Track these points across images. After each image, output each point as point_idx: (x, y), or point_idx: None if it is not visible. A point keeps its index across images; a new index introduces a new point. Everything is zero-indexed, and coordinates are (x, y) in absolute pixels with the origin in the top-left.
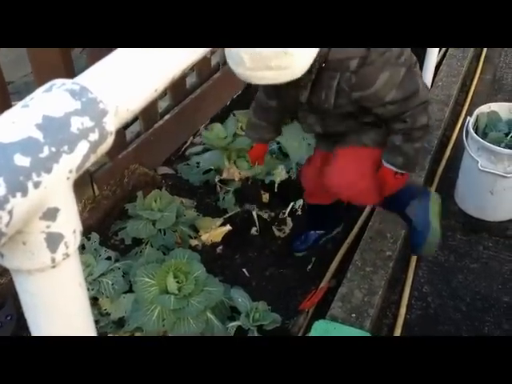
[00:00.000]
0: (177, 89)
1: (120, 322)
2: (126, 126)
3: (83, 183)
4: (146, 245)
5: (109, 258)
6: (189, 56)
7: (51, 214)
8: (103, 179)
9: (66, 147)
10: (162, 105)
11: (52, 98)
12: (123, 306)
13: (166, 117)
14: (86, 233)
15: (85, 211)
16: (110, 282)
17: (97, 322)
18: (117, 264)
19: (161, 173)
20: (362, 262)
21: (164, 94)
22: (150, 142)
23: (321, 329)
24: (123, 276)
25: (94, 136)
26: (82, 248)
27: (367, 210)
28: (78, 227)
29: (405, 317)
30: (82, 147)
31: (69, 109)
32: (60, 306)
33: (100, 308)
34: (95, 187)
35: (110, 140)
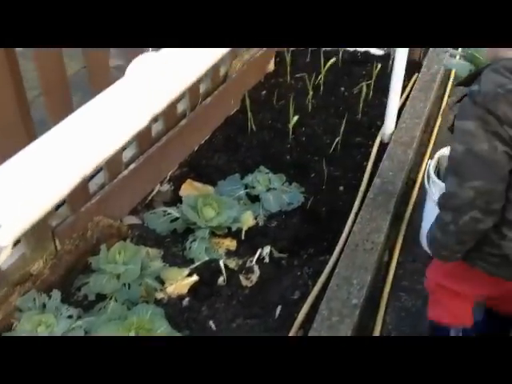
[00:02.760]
0: (142, 137)
1: None
2: (90, 177)
3: (44, 239)
4: (110, 300)
5: (70, 317)
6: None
7: None
8: (65, 233)
9: None
10: (127, 154)
11: None
12: None
13: (132, 166)
14: (47, 290)
15: (46, 268)
16: None
17: None
18: (79, 322)
19: (127, 223)
20: (328, 311)
21: (129, 142)
22: (115, 193)
23: None
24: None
25: None
26: (43, 307)
27: (335, 255)
28: None
29: None
30: None
31: None
32: None
33: None
34: (57, 242)
35: (3, 254)
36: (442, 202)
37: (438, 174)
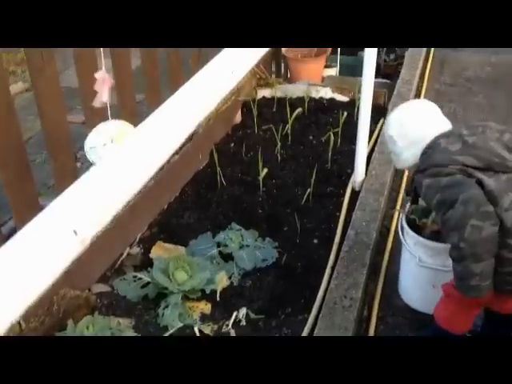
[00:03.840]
0: None
1: None
2: None
3: None
4: None
5: None
6: None
7: None
8: (30, 311)
9: None
10: None
11: None
12: None
13: (98, 232)
14: None
15: None
16: None
17: None
18: None
19: (96, 291)
20: None
21: None
22: (82, 262)
23: None
24: None
25: None
26: None
27: (313, 314)
28: None
29: None
30: None
31: None
32: None
33: None
34: (21, 321)
35: None
36: (447, 225)
37: (413, 221)
